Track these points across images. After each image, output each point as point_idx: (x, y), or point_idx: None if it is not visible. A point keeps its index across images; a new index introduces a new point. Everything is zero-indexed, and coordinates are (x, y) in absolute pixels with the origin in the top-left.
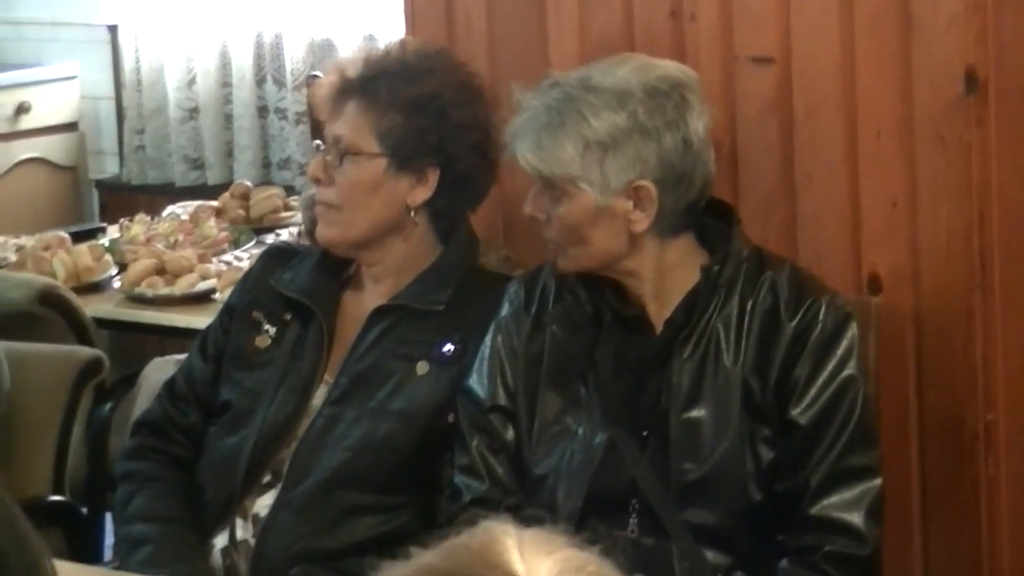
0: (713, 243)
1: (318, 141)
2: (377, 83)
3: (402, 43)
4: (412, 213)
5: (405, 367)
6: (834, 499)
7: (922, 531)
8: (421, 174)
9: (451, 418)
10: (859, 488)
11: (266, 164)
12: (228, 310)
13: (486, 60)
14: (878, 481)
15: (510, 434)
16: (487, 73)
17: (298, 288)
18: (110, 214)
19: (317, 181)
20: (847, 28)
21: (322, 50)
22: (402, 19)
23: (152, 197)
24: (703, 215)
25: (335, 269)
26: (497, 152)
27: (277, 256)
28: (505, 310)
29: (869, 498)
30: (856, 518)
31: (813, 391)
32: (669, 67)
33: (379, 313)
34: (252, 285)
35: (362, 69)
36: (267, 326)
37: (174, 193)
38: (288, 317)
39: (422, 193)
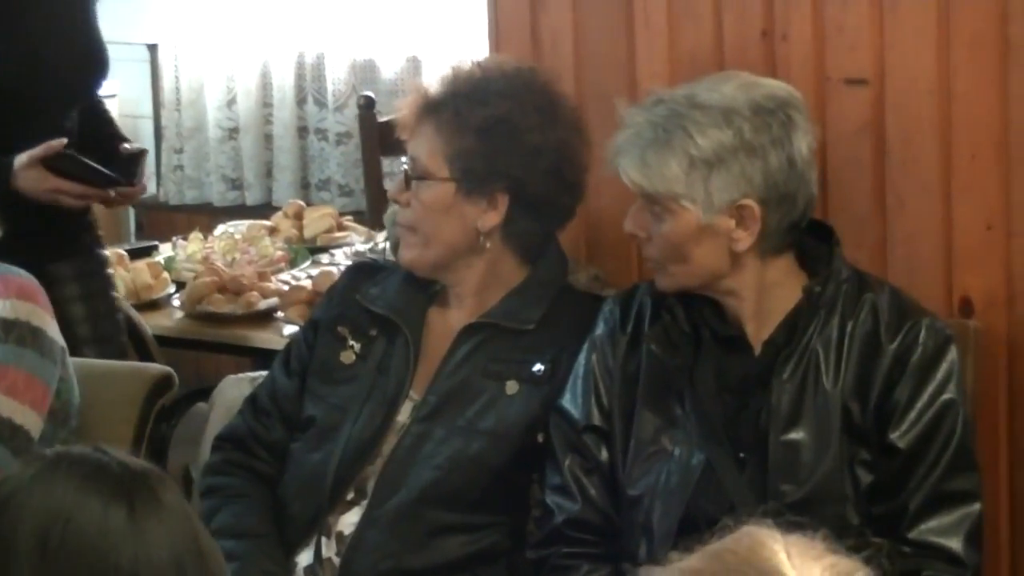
0: (813, 263)
1: (404, 159)
2: (451, 104)
3: (483, 62)
4: (481, 238)
5: (495, 386)
6: (933, 524)
7: (1010, 558)
8: (491, 199)
9: (541, 438)
10: (958, 513)
11: (305, 185)
12: (313, 325)
13: (572, 78)
14: (977, 506)
15: (604, 454)
16: (573, 91)
17: (384, 303)
18: (147, 233)
19: (397, 202)
20: (943, 50)
21: (364, 71)
22: (486, 38)
23: (190, 217)
24: (803, 235)
25: (421, 285)
26: (579, 174)
27: (363, 271)
28: (600, 329)
29: (968, 523)
30: (955, 543)
31: (913, 414)
32: (775, 85)
33: (469, 331)
34: (338, 300)
35: (440, 89)
36: (352, 341)
37: (212, 213)
38: (374, 332)
39: (492, 218)
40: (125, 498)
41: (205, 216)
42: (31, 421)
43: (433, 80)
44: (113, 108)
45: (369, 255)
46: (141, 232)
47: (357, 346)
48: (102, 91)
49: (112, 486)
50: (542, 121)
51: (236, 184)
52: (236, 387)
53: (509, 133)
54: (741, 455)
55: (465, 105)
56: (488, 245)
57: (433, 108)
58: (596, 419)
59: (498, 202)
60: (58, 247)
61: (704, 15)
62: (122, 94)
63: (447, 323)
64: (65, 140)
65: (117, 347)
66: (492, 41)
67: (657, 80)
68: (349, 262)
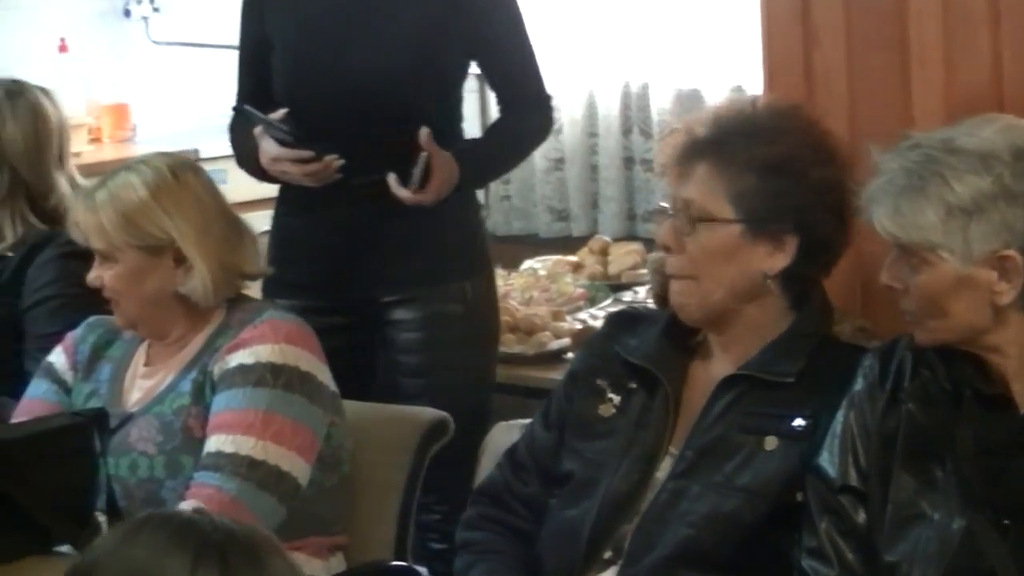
0: None
1: (665, 205)
2: (730, 143)
3: (753, 101)
4: (768, 282)
5: (753, 441)
6: None
7: None
8: (778, 240)
9: (800, 496)
10: None
11: (631, 216)
12: (572, 377)
13: (845, 117)
14: None
15: (861, 516)
16: (845, 131)
17: (643, 355)
18: None
19: (668, 249)
20: None
21: (689, 100)
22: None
23: (517, 247)
24: None
25: (682, 335)
26: (852, 214)
27: (623, 321)
28: (859, 385)
29: None
30: None
31: None
32: None
33: (727, 383)
34: (597, 351)
35: (712, 128)
36: (611, 394)
37: (538, 244)
38: (633, 385)
39: (780, 260)
40: (217, 557)
41: (531, 247)
42: (298, 468)
43: (694, 122)
44: None
45: (630, 305)
46: None
47: (616, 399)
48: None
49: (200, 544)
50: (823, 158)
51: (562, 215)
52: (507, 434)
53: (796, 171)
54: (1004, 522)
55: (744, 143)
56: (772, 288)
57: (707, 148)
58: (853, 479)
59: (785, 244)
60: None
61: (982, 50)
62: None
63: (708, 375)
64: (285, 110)
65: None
66: (765, 77)
67: (933, 118)
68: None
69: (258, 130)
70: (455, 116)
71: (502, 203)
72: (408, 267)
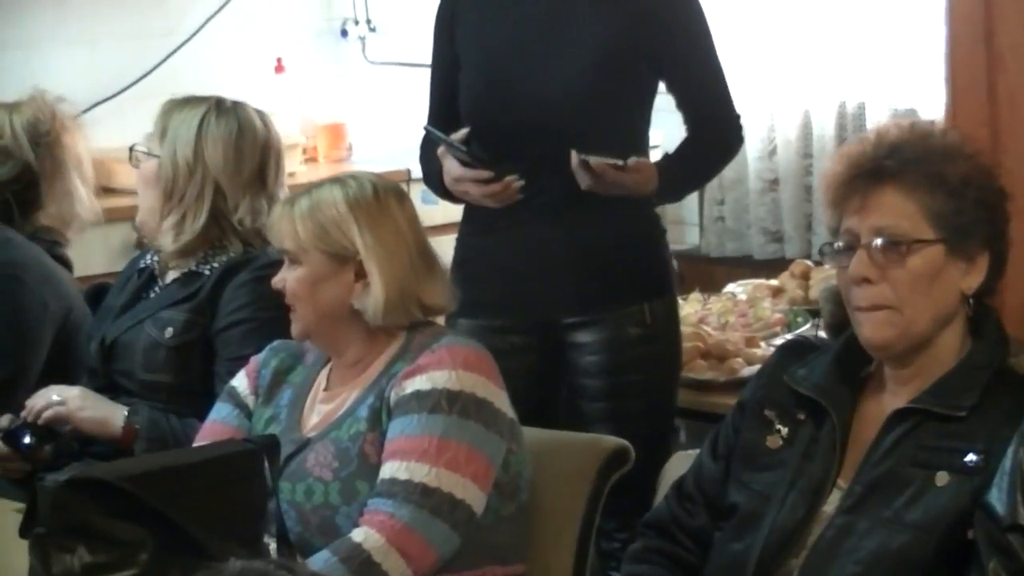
0: None
1: (836, 242)
2: (915, 164)
3: (913, 123)
4: (969, 303)
5: (923, 476)
6: None
7: None
8: (971, 258)
9: (971, 534)
10: None
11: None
12: (740, 407)
13: None
14: None
15: None
16: None
17: (812, 385)
18: (688, 284)
19: (866, 281)
20: None
21: (892, 121)
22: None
23: (729, 269)
24: None
25: (853, 366)
26: None
27: (794, 350)
28: None
29: None
30: None
31: None
32: None
33: (898, 416)
34: (766, 381)
35: (888, 152)
36: (779, 425)
37: (752, 265)
38: (801, 416)
39: (975, 278)
40: None
41: (745, 269)
42: (472, 495)
43: (854, 151)
44: None
45: (801, 334)
46: (681, 282)
47: (784, 430)
48: None
49: None
50: (995, 174)
51: (776, 237)
52: (685, 463)
53: (979, 187)
54: None
55: (929, 163)
56: (961, 313)
57: (888, 172)
58: (1022, 518)
59: (977, 261)
60: None
61: None
62: None
63: (879, 407)
64: (467, 130)
65: None
66: (949, 99)
67: None
68: None
69: (441, 150)
70: (640, 136)
71: (716, 224)
72: (587, 288)
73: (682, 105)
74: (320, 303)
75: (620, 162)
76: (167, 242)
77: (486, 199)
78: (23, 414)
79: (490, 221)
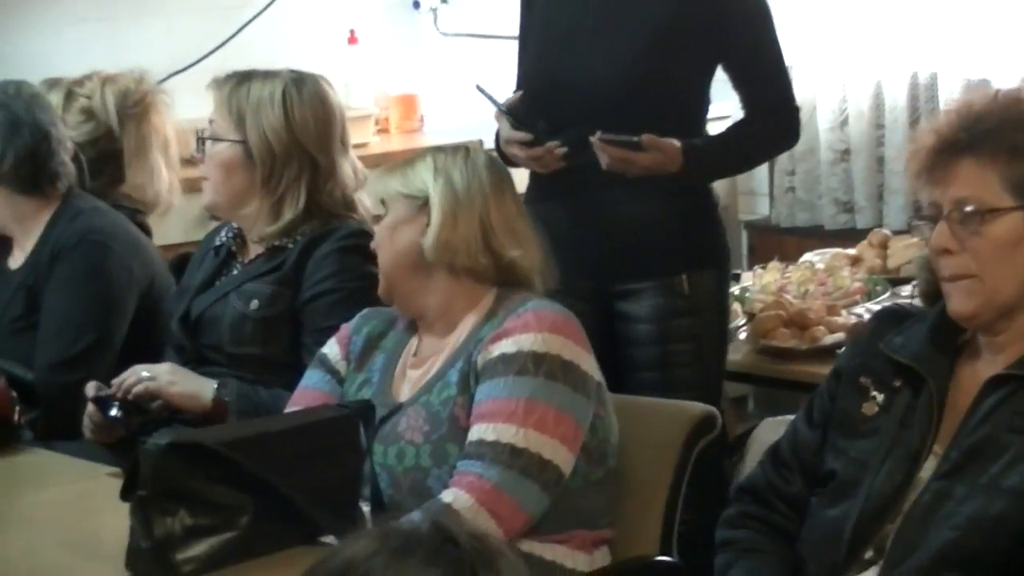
0: None
1: (916, 219)
2: (992, 135)
3: (995, 93)
4: None
5: (1020, 441)
6: None
7: None
8: None
9: None
10: None
11: (918, 209)
12: (836, 374)
13: None
14: None
15: None
16: None
17: (909, 353)
18: (758, 255)
19: (947, 251)
20: None
21: (979, 90)
22: None
23: (800, 240)
24: None
25: (949, 334)
26: None
27: (890, 318)
28: None
29: None
30: None
31: None
32: None
33: (994, 383)
34: (862, 349)
35: (966, 123)
36: (875, 392)
37: (823, 236)
38: (898, 384)
39: None
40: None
41: (815, 239)
42: (561, 457)
43: (937, 124)
44: None
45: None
46: (753, 254)
47: (880, 397)
48: None
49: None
50: None
51: (847, 207)
52: (773, 430)
53: None
54: None
55: (1005, 132)
56: None
57: (966, 144)
58: None
59: None
60: None
61: None
62: None
63: (976, 374)
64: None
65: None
66: None
67: None
68: None
69: (496, 112)
70: (695, 116)
71: (787, 195)
72: (629, 257)
73: (739, 88)
74: (395, 246)
75: (635, 138)
76: (262, 225)
77: (530, 163)
78: (112, 391)
79: (548, 188)
